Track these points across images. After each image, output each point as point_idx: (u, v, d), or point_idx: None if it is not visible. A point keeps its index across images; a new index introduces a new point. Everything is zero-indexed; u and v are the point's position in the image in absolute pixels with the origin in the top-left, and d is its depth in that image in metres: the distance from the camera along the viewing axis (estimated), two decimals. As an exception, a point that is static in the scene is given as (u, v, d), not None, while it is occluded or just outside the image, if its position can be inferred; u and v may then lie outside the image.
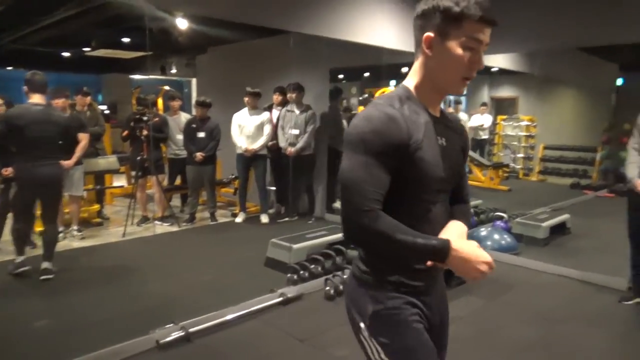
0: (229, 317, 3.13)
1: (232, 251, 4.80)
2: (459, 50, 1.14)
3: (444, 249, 1.12)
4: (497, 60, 7.45)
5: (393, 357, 1.22)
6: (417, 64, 1.22)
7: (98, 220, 5.72)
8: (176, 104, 6.13)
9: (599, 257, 4.71)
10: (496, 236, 4.90)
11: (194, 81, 8.94)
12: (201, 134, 5.67)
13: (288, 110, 5.81)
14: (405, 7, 4.88)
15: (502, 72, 9.95)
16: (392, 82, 12.84)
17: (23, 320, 3.13)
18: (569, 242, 5.30)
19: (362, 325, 1.24)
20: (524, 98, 9.04)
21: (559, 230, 5.37)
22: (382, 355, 1.22)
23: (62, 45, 8.08)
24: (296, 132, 5.71)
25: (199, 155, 5.58)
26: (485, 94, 12.58)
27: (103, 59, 8.69)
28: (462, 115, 8.60)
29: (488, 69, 8.83)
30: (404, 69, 10.88)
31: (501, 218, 5.41)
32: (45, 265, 3.82)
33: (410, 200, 1.20)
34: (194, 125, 5.71)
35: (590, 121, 8.88)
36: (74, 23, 5.72)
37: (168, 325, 2.91)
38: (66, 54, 8.91)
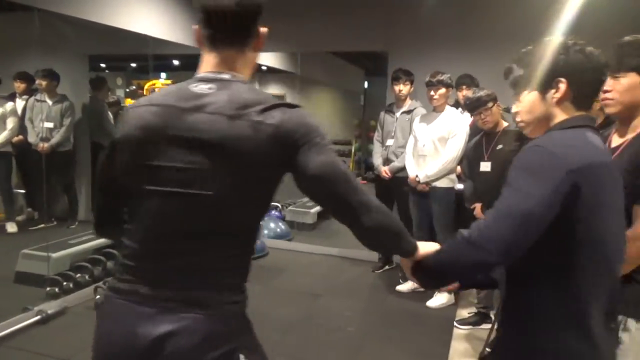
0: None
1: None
2: None
3: None
4: (265, 59, 7.87)
5: None
6: (243, 58, 1.11)
7: None
8: None
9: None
10: (272, 225, 5.20)
11: None
12: None
13: (38, 100, 5.01)
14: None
15: (270, 70, 10.59)
16: (163, 75, 12.33)
17: None
18: (333, 225, 5.97)
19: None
20: (290, 95, 9.76)
21: (324, 215, 6.01)
22: None
23: None
24: (50, 125, 4.97)
25: None
26: (255, 91, 13.18)
27: None
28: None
29: (258, 66, 9.26)
30: (175, 62, 10.58)
31: (275, 208, 5.76)
32: None
33: None
34: None
35: (345, 118, 10.17)
36: None
37: None
38: None
